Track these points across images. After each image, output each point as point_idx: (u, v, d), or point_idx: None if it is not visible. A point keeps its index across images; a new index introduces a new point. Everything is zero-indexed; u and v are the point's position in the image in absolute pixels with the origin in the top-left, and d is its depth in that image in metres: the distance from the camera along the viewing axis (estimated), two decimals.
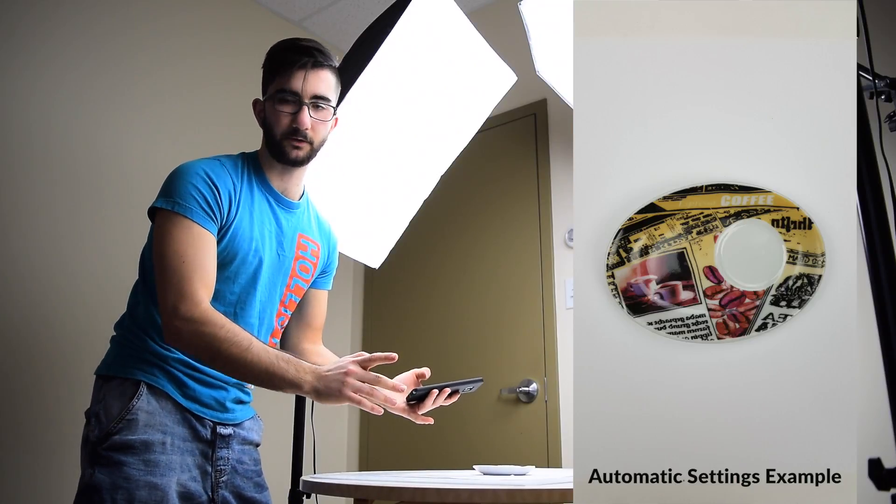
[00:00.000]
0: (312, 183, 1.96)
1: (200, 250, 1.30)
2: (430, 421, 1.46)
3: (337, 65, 1.51)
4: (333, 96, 1.48)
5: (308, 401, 2.06)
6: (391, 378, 1.30)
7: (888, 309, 0.77)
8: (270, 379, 1.23)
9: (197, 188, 1.33)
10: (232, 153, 1.50)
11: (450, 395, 1.44)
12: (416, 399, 1.42)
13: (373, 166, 2.11)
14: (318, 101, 1.43)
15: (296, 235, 1.52)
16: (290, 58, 1.42)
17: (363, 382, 1.23)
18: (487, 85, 2.10)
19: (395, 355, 1.29)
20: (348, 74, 1.72)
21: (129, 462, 1.28)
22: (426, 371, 1.50)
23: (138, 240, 1.50)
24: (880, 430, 1.98)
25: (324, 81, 1.45)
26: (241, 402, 1.49)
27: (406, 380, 1.49)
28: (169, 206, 1.32)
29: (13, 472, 1.99)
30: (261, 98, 1.49)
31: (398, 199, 2.19)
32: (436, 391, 1.41)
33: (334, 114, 1.49)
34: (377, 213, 2.18)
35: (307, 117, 1.41)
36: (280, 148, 1.43)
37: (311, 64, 1.42)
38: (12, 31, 2.20)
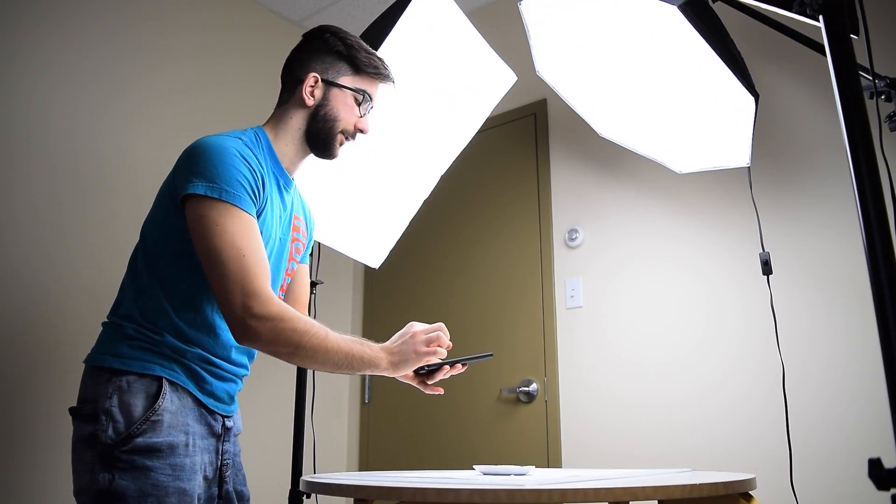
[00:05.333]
0: (313, 183, 1.96)
1: (256, 241, 1.24)
2: (440, 391, 1.48)
3: None
4: None
5: (308, 401, 2.07)
6: None
7: (888, 309, 0.77)
8: (350, 363, 1.25)
9: (241, 173, 1.25)
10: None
11: (461, 366, 1.47)
12: (425, 371, 1.44)
13: (373, 166, 2.11)
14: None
15: (292, 217, 1.48)
16: (379, 67, 1.46)
17: (428, 335, 1.34)
18: (487, 85, 2.10)
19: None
20: None
21: (155, 467, 1.20)
22: (450, 344, 1.47)
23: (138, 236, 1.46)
24: (880, 430, 1.99)
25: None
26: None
27: None
28: (215, 193, 1.21)
29: (9, 469, 1.99)
30: (320, 76, 1.41)
31: (398, 199, 2.19)
32: (447, 367, 1.43)
33: None
34: (377, 213, 2.18)
35: (369, 125, 1.47)
36: (330, 141, 1.42)
37: (391, 85, 1.50)
38: (13, 29, 2.20)
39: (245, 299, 1.18)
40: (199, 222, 1.22)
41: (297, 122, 1.41)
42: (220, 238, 1.20)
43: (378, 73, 1.45)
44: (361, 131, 1.44)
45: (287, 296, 1.56)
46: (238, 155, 1.26)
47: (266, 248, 1.34)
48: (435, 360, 1.39)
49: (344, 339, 1.26)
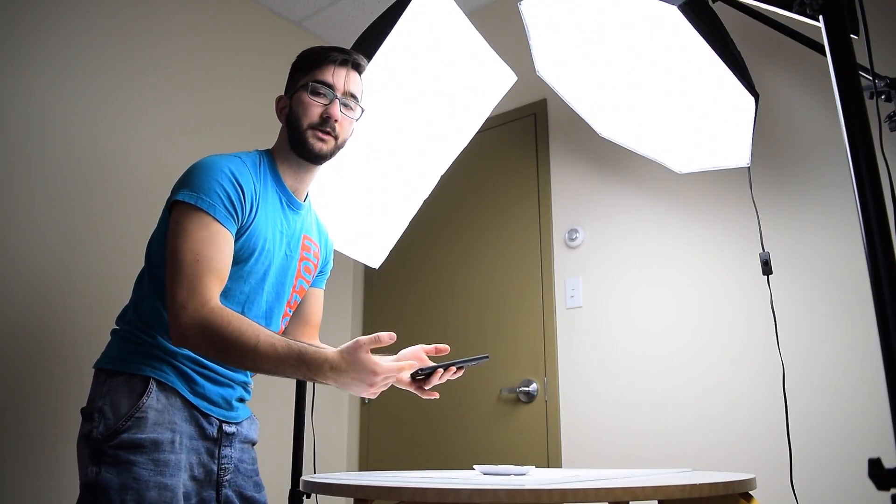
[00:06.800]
0: (314, 182, 1.96)
1: (216, 249, 1.27)
2: (436, 395, 1.47)
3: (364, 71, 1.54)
4: (361, 100, 1.51)
5: (308, 401, 2.07)
6: (402, 348, 1.45)
7: (888, 309, 0.77)
8: (282, 375, 1.23)
9: (223, 186, 1.31)
10: (246, 150, 1.48)
11: (456, 370, 1.44)
12: (422, 376, 1.43)
13: (373, 166, 2.11)
14: (348, 98, 1.46)
15: (301, 236, 1.52)
16: (328, 54, 1.45)
17: (387, 377, 1.21)
18: (487, 85, 2.10)
19: (395, 336, 1.21)
20: None
21: (138, 461, 1.26)
22: (447, 347, 1.47)
23: (141, 238, 1.49)
24: (880, 430, 1.99)
25: (356, 83, 1.49)
26: (242, 400, 1.49)
27: (426, 351, 1.50)
28: (192, 200, 1.29)
29: (14, 469, 1.99)
30: (284, 95, 1.50)
31: (398, 199, 2.19)
32: (441, 370, 1.41)
33: (360, 117, 1.51)
34: (377, 213, 2.18)
35: (338, 110, 1.44)
36: (304, 140, 1.42)
37: (351, 63, 1.47)
38: (12, 30, 2.20)
39: (184, 299, 1.22)
40: (172, 226, 1.30)
41: (282, 139, 1.50)
42: (184, 242, 1.26)
43: (316, 59, 1.45)
44: (329, 118, 1.42)
45: (295, 315, 1.61)
46: (227, 172, 1.34)
47: (256, 262, 1.40)
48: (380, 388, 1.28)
49: (276, 352, 1.19)
